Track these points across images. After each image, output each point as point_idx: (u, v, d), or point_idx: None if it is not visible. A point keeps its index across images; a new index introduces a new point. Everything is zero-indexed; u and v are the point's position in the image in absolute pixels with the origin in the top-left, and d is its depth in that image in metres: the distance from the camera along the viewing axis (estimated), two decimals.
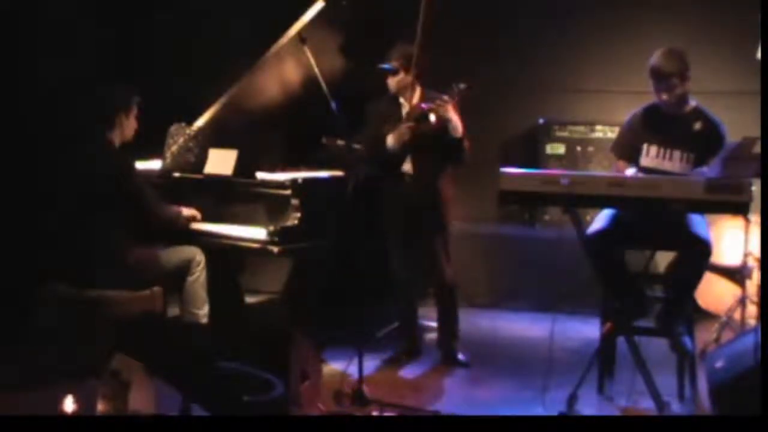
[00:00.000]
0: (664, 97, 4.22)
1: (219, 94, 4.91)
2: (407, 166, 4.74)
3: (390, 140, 4.66)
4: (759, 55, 4.65)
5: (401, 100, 4.77)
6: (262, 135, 4.85)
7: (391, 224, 4.84)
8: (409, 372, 4.83)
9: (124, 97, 4.40)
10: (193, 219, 4.60)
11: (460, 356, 4.90)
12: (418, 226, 4.80)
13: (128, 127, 4.42)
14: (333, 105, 4.56)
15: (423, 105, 4.59)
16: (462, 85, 4.46)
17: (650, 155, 4.31)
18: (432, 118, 4.52)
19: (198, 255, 4.48)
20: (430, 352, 5.03)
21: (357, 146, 4.60)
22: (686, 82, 4.20)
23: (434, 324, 5.09)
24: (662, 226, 4.12)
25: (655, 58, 4.22)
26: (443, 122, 4.53)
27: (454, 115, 4.54)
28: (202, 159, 4.76)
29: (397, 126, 4.65)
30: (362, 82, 5.08)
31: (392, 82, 4.73)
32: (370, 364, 4.69)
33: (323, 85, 4.59)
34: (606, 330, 4.19)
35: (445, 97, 4.47)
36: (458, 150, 4.65)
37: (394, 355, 4.93)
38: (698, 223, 4.18)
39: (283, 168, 4.82)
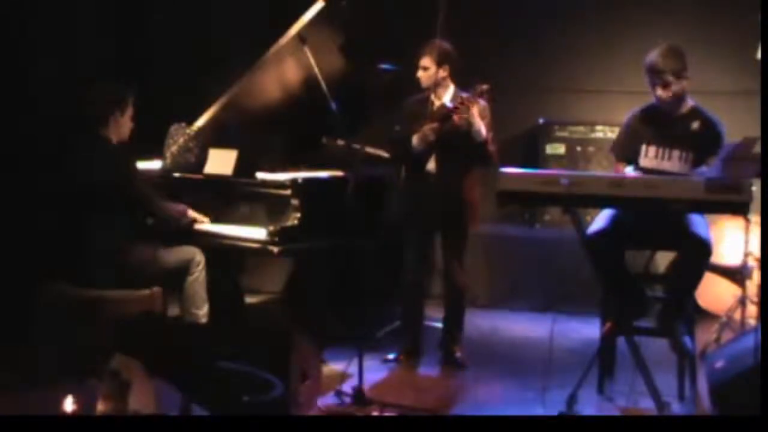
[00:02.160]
0: (659, 93, 4.22)
1: (219, 94, 4.91)
2: (431, 166, 4.75)
3: (414, 140, 4.68)
4: (759, 55, 4.65)
5: (433, 97, 4.77)
6: (262, 135, 4.85)
7: (410, 222, 4.85)
8: (409, 372, 4.82)
9: (118, 94, 4.39)
10: (198, 221, 4.58)
11: (458, 357, 4.90)
12: (437, 225, 4.82)
13: (124, 125, 4.41)
14: (333, 105, 4.55)
15: (448, 105, 4.61)
16: (484, 86, 4.49)
17: (649, 155, 4.30)
18: (454, 117, 4.54)
19: (197, 255, 4.47)
20: (430, 352, 5.03)
21: (357, 146, 4.61)
22: (682, 80, 4.19)
23: (439, 325, 5.10)
24: (662, 226, 4.12)
25: (652, 54, 4.22)
26: (466, 124, 4.54)
27: (477, 118, 4.55)
28: (202, 159, 4.75)
29: (422, 125, 4.67)
30: (362, 82, 5.09)
31: (424, 77, 4.71)
32: (371, 364, 4.69)
33: (323, 85, 4.59)
34: (606, 330, 4.19)
35: (467, 96, 4.51)
36: (483, 153, 4.67)
37: (396, 354, 4.93)
38: (698, 223, 4.17)
39: (283, 168, 4.82)
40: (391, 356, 4.92)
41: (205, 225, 4.60)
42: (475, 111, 4.53)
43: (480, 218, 4.94)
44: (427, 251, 4.96)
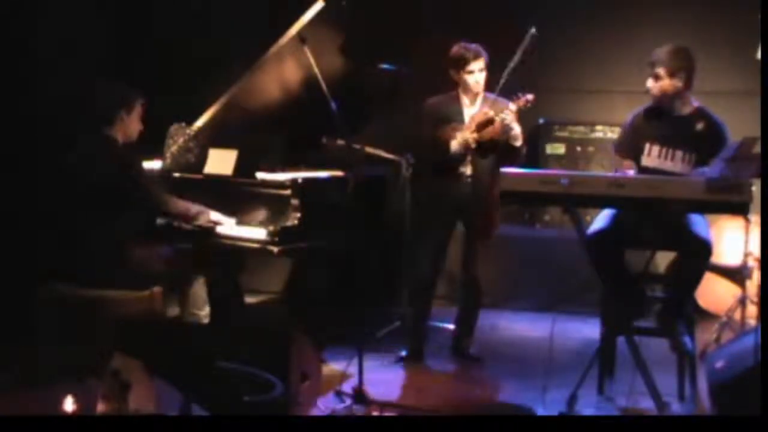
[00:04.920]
0: (648, 83, 4.23)
1: (219, 94, 4.91)
2: (465, 168, 4.78)
3: (455, 145, 4.69)
4: (759, 55, 4.65)
5: (464, 98, 4.79)
6: (262, 135, 4.85)
7: (433, 224, 4.86)
8: (409, 372, 4.83)
9: (125, 95, 4.39)
10: (216, 224, 4.54)
11: (472, 352, 4.96)
12: (467, 227, 4.86)
13: (130, 125, 4.40)
14: (333, 105, 4.55)
15: (490, 113, 4.64)
16: (529, 96, 4.57)
17: (652, 155, 4.30)
18: (496, 125, 4.60)
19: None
20: (431, 352, 5.03)
21: (357, 146, 4.61)
22: (675, 79, 4.19)
23: (441, 325, 5.10)
24: (662, 226, 4.12)
25: (659, 48, 4.24)
26: (506, 129, 4.60)
27: (517, 124, 4.62)
28: (202, 159, 4.75)
29: (459, 128, 4.70)
30: (362, 82, 5.08)
31: (481, 78, 4.72)
32: (371, 364, 4.69)
33: (323, 85, 4.59)
34: (606, 330, 4.19)
35: (512, 106, 4.57)
36: (517, 155, 4.72)
37: (407, 353, 4.94)
38: (698, 223, 4.17)
39: (283, 168, 4.82)
40: (403, 353, 4.93)
41: (204, 225, 4.59)
42: (514, 116, 4.59)
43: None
44: (445, 252, 4.97)
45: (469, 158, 4.75)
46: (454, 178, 4.78)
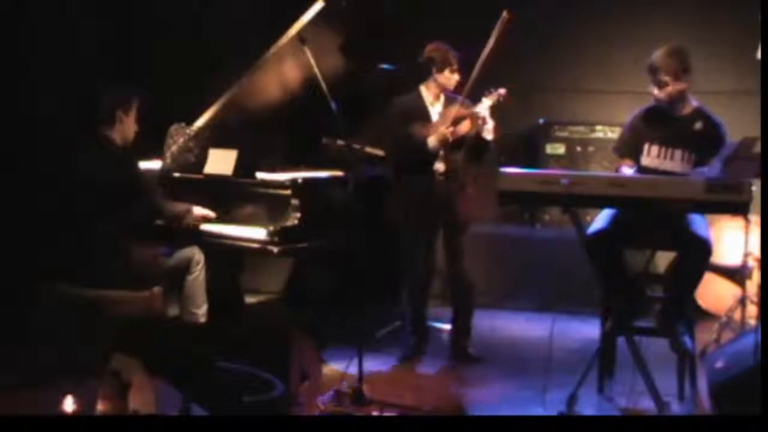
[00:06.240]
0: (655, 92, 4.23)
1: (219, 94, 4.91)
2: (438, 165, 4.79)
3: (432, 141, 4.71)
4: (759, 55, 4.65)
5: (427, 96, 4.82)
6: (262, 135, 4.85)
7: (418, 223, 4.87)
8: (409, 372, 4.82)
9: (122, 95, 4.40)
10: (205, 219, 4.56)
11: (471, 352, 4.95)
12: (444, 223, 4.87)
13: (128, 126, 4.41)
14: (333, 105, 4.56)
15: (462, 108, 4.69)
16: (502, 90, 4.63)
17: (651, 155, 4.30)
18: (470, 120, 4.67)
19: (197, 254, 4.47)
20: (431, 352, 5.03)
21: (357, 146, 4.61)
22: (679, 82, 4.19)
23: (438, 325, 5.08)
24: (662, 226, 4.12)
25: (656, 53, 4.23)
26: (481, 124, 4.65)
27: (491, 119, 4.66)
28: (202, 159, 4.75)
29: (432, 126, 4.73)
30: (362, 82, 5.09)
31: (456, 77, 4.80)
32: (371, 364, 4.69)
33: (323, 85, 4.59)
34: (606, 330, 4.19)
35: (486, 101, 4.62)
36: (487, 150, 4.77)
37: (411, 354, 4.94)
38: (698, 223, 4.17)
39: (283, 168, 4.82)
40: (409, 355, 4.94)
41: (205, 225, 4.60)
42: (489, 111, 4.63)
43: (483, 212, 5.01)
44: (433, 251, 4.98)
45: (441, 154, 4.76)
46: (427, 175, 4.79)
